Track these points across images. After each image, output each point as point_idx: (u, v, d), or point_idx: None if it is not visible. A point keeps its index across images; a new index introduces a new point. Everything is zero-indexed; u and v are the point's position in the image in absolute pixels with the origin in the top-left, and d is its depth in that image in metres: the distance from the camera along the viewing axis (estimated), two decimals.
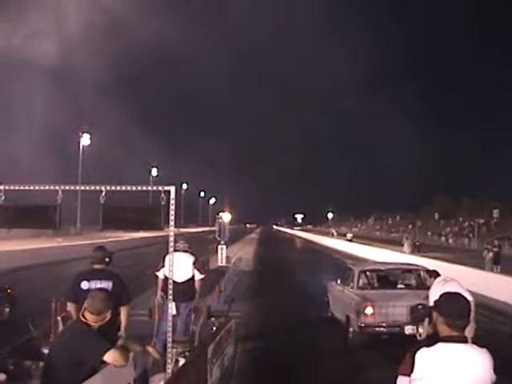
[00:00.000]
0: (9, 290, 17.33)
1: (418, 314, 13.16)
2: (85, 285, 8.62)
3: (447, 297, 4.63)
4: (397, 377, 4.67)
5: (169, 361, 8.58)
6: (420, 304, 13.25)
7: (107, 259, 9.07)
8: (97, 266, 8.97)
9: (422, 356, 4.45)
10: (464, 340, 4.41)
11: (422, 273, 16.01)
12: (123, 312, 8.67)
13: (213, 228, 49.79)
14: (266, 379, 11.44)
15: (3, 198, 8.83)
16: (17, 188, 9.00)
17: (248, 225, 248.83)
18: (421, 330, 13.03)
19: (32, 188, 9.00)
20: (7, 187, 8.89)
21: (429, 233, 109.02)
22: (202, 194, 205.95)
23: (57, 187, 8.77)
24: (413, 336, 13.15)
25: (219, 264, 31.17)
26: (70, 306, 8.80)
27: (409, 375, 4.52)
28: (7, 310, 16.89)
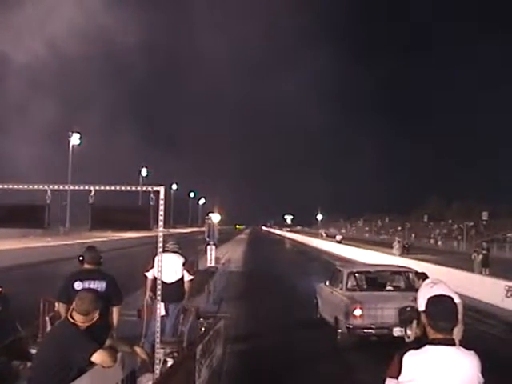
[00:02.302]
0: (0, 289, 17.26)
1: (407, 315, 13.18)
2: (78, 285, 8.58)
3: (434, 299, 4.63)
4: (385, 379, 4.67)
5: (157, 361, 8.58)
6: (408, 306, 13.28)
7: (101, 259, 9.05)
8: (89, 267, 8.92)
9: (410, 358, 4.46)
10: (452, 343, 4.42)
11: (410, 275, 16.04)
12: (115, 313, 8.64)
13: (202, 229, 49.74)
14: (255, 380, 11.45)
15: None
16: (5, 187, 8.97)
17: (238, 226, 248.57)
18: (409, 332, 13.05)
19: (20, 187, 8.98)
20: None
21: (412, 235, 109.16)
22: (192, 194, 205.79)
23: (45, 187, 8.75)
24: (401, 338, 13.18)
25: (208, 265, 31.11)
26: (61, 307, 8.74)
27: (397, 378, 4.53)
28: None
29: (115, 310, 8.68)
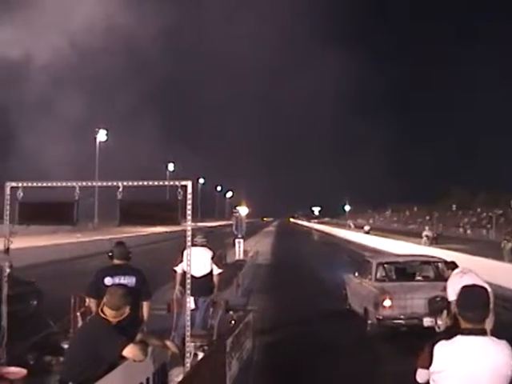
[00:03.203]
0: (35, 284, 17.49)
1: (437, 306, 13.12)
2: (108, 281, 8.64)
3: (466, 289, 4.60)
4: (416, 370, 4.66)
5: (187, 355, 8.62)
6: (438, 296, 13.22)
7: (130, 255, 9.11)
8: (118, 262, 8.98)
9: (441, 349, 4.44)
10: (483, 332, 4.39)
11: (440, 265, 15.97)
12: (145, 307, 8.70)
13: (229, 222, 49.78)
14: (284, 372, 11.45)
15: (21, 195, 8.90)
16: (35, 185, 9.07)
17: (265, 218, 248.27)
18: (439, 322, 13.00)
19: (50, 185, 9.07)
20: (25, 184, 8.97)
21: (440, 224, 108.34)
22: (219, 188, 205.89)
23: (74, 184, 8.83)
24: (431, 328, 13.12)
25: (236, 258, 31.12)
26: (92, 302, 8.82)
27: (427, 368, 4.51)
28: (34, 303, 17.02)
29: (145, 305, 8.74)
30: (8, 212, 9.16)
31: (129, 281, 8.65)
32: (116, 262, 9.02)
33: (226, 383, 9.61)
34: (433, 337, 4.56)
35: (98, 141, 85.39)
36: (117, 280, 8.63)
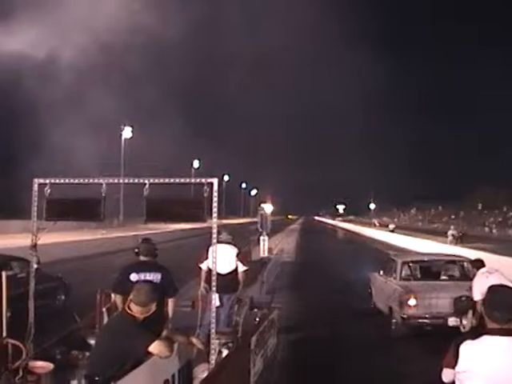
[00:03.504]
0: (62, 279, 17.67)
1: (462, 305, 13.09)
2: (134, 277, 8.70)
3: (493, 289, 4.58)
4: (441, 369, 4.65)
5: (212, 351, 8.64)
6: (464, 296, 13.19)
7: (156, 251, 9.17)
8: (144, 259, 9.04)
9: (467, 349, 4.43)
10: (510, 333, 4.38)
11: (465, 264, 15.90)
12: (170, 304, 8.76)
13: (254, 219, 49.82)
14: (309, 370, 11.46)
15: (49, 191, 8.98)
16: (62, 181, 9.14)
17: (289, 216, 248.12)
18: (464, 322, 12.96)
19: (77, 181, 9.14)
20: (53, 181, 9.04)
21: (464, 223, 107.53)
22: (244, 185, 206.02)
23: (101, 180, 8.89)
24: (456, 328, 13.07)
25: (261, 255, 31.14)
26: (117, 298, 8.89)
27: (453, 368, 4.50)
28: (62, 298, 17.17)
29: (170, 302, 8.79)
30: (36, 208, 9.24)
31: (154, 277, 8.71)
32: (142, 258, 9.08)
33: (251, 380, 9.63)
34: (458, 336, 4.55)
35: (123, 138, 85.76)
36: (142, 276, 8.69)
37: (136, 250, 9.21)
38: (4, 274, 6.80)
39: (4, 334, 6.36)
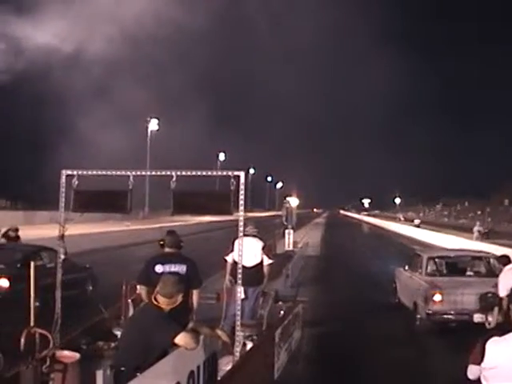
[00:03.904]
0: (90, 269, 17.80)
1: (488, 302, 13.03)
2: (159, 268, 8.75)
3: None
4: (467, 366, 4.65)
5: (237, 344, 8.67)
6: (489, 292, 13.12)
7: (181, 243, 9.22)
8: (169, 250, 9.09)
9: (493, 345, 4.42)
10: None
11: (491, 260, 15.81)
12: (195, 296, 8.80)
13: (279, 213, 49.79)
14: (332, 364, 11.45)
15: (77, 183, 9.04)
16: (90, 173, 9.20)
17: (315, 209, 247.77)
18: (490, 319, 12.91)
19: (104, 173, 9.20)
20: (80, 173, 9.10)
21: (489, 219, 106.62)
22: (269, 178, 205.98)
23: (128, 173, 8.94)
24: (482, 324, 13.01)
25: (286, 249, 31.14)
26: (141, 289, 8.95)
27: (479, 364, 4.50)
28: (90, 288, 17.28)
29: (195, 293, 8.83)
30: (63, 199, 9.32)
31: (179, 269, 8.75)
32: (167, 250, 9.12)
33: (274, 373, 9.66)
34: (483, 333, 4.54)
35: (149, 130, 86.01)
36: (167, 268, 8.73)
37: (161, 242, 9.25)
38: (32, 264, 6.85)
39: (32, 323, 6.42)
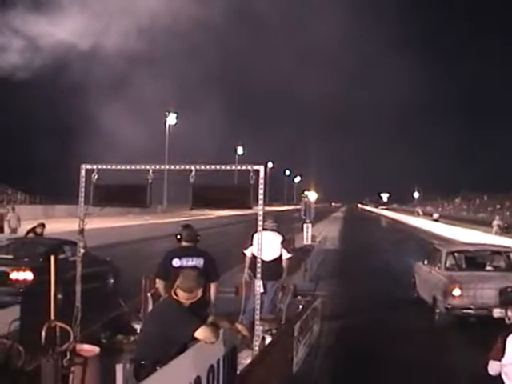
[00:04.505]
0: (112, 263, 17.87)
1: (508, 296, 12.97)
2: (176, 262, 8.78)
3: None
4: (488, 361, 4.63)
5: (256, 338, 8.70)
6: (509, 287, 13.06)
7: (197, 237, 9.24)
8: (186, 244, 9.11)
9: None
10: None
11: (511, 255, 15.71)
12: (212, 289, 8.81)
13: (298, 207, 49.77)
14: (351, 358, 11.44)
15: (96, 177, 9.09)
16: (109, 167, 9.24)
17: (333, 203, 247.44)
18: (510, 314, 12.85)
19: (124, 168, 9.24)
20: (100, 167, 9.15)
21: (507, 213, 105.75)
22: (287, 172, 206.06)
23: (147, 167, 8.98)
24: (501, 319, 12.96)
25: (304, 243, 31.11)
26: (159, 283, 8.98)
27: (500, 360, 4.48)
28: (111, 281, 17.34)
29: (213, 286, 8.84)
30: (83, 194, 9.37)
31: (197, 262, 8.77)
32: (184, 244, 9.14)
33: (293, 367, 9.68)
34: (502, 328, 4.52)
35: (167, 124, 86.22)
36: (184, 262, 8.77)
37: (178, 236, 9.28)
38: (52, 257, 6.89)
39: (52, 316, 6.45)
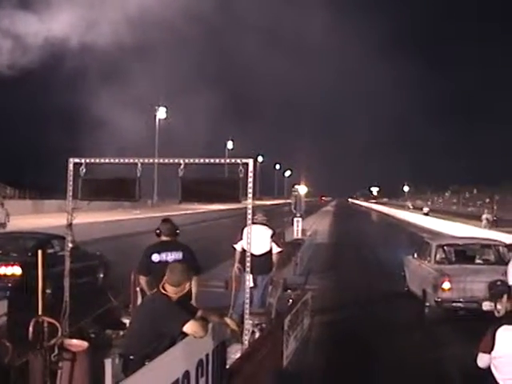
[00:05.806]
0: (102, 257, 17.80)
1: (497, 290, 12.98)
2: (155, 257, 8.77)
3: None
4: (477, 354, 4.62)
5: (245, 332, 8.67)
6: (499, 280, 13.07)
7: (177, 231, 9.19)
8: (165, 239, 9.07)
9: (504, 333, 4.40)
10: None
11: (500, 248, 15.75)
12: (194, 282, 8.73)
13: (288, 201, 49.76)
14: (342, 352, 11.44)
15: (84, 170, 9.04)
16: (97, 161, 9.19)
17: (323, 198, 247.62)
18: (499, 307, 12.82)
19: (112, 161, 9.18)
20: (88, 160, 9.09)
21: (495, 207, 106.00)
22: (278, 166, 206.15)
23: (136, 160, 8.93)
24: (490, 312, 12.97)
25: (295, 237, 31.08)
26: (142, 279, 8.94)
27: (489, 353, 4.47)
28: (101, 276, 17.27)
29: (194, 280, 8.75)
30: (71, 188, 9.31)
31: (176, 256, 8.74)
32: (164, 238, 9.11)
33: (283, 361, 9.67)
34: (492, 321, 4.51)
35: (157, 118, 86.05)
36: (164, 256, 8.75)
37: (157, 231, 9.24)
38: (40, 251, 6.83)
39: (40, 311, 6.40)
